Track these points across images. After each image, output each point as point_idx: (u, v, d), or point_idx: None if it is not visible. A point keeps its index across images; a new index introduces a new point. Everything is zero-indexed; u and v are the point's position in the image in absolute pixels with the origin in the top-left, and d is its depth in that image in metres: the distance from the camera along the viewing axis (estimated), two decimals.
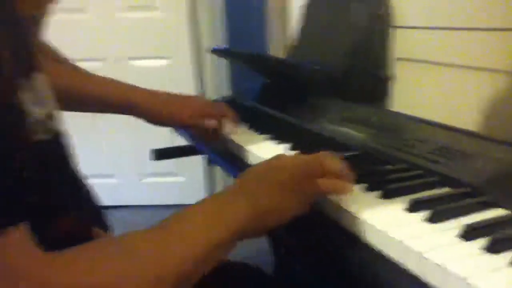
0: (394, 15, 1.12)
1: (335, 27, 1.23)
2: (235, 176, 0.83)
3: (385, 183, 0.70)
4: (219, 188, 2.74)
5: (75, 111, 0.97)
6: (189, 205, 0.57)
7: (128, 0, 2.52)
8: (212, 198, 0.62)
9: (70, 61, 1.02)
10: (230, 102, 1.27)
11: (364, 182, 0.71)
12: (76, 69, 1.02)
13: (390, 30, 1.11)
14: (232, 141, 1.02)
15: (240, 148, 0.98)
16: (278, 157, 0.66)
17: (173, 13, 2.52)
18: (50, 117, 0.55)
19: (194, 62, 2.59)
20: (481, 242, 0.54)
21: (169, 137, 1.53)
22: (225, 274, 0.76)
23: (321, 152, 0.66)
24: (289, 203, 0.61)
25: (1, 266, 0.42)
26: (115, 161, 2.74)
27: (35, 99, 0.51)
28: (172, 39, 2.54)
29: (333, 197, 0.66)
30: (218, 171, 2.70)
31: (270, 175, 0.62)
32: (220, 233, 0.55)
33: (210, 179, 2.74)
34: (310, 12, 1.40)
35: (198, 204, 0.58)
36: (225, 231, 0.55)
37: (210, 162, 1.80)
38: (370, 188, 0.70)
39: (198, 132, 1.06)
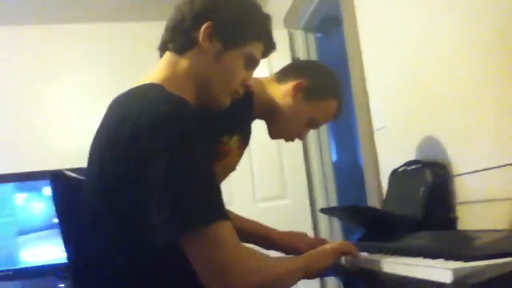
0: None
1: (412, 186, 1.70)
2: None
3: None
4: None
5: None
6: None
7: (264, 192, 3.26)
8: (296, 258, 1.28)
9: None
10: None
11: None
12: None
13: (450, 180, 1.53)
14: None
15: None
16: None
17: (298, 199, 3.25)
18: None
19: (312, 234, 3.16)
20: None
21: None
22: None
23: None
24: (326, 261, 1.25)
25: (220, 239, 0.98)
26: None
27: None
28: (297, 220, 3.18)
29: None
30: None
31: (316, 251, 1.29)
32: (299, 272, 1.17)
33: None
34: (395, 178, 1.91)
35: (296, 257, 1.27)
36: (300, 270, 1.18)
37: None
38: None
39: None
